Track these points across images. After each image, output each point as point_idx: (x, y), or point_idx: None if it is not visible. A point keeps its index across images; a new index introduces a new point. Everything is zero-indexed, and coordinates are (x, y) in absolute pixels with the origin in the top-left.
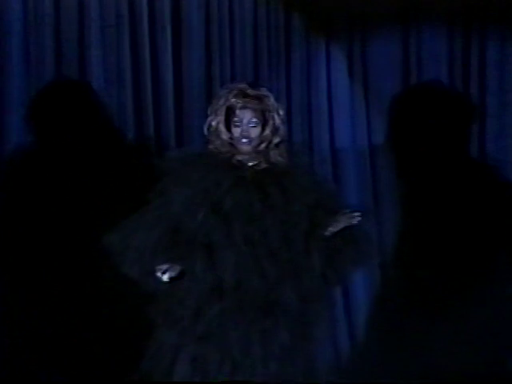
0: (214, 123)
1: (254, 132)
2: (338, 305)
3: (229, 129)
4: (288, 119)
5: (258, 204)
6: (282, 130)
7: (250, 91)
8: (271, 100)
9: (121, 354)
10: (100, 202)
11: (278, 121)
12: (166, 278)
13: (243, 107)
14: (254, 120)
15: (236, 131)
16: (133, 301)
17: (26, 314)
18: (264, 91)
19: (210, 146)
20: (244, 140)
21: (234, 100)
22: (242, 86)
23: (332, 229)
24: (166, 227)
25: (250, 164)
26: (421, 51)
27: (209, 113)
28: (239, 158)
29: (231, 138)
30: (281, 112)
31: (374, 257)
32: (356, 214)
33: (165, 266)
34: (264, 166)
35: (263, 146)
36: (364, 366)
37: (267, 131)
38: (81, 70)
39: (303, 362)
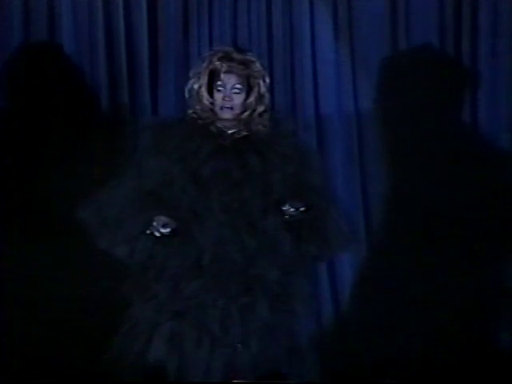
0: (195, 86)
1: (238, 99)
2: (321, 279)
3: (211, 93)
4: (270, 83)
5: (237, 172)
6: (267, 98)
7: (235, 55)
8: (258, 66)
9: (94, 331)
10: (71, 171)
11: (263, 88)
12: (165, 231)
13: (228, 71)
14: (238, 86)
15: (218, 96)
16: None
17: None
18: (250, 56)
19: (190, 111)
20: (226, 107)
21: (218, 63)
22: (228, 49)
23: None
24: (144, 199)
25: (230, 132)
26: (409, 12)
27: (191, 75)
28: (219, 124)
29: (212, 104)
30: (267, 79)
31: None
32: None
33: (164, 219)
34: (244, 133)
35: (246, 114)
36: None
37: (251, 98)
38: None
39: (285, 338)
